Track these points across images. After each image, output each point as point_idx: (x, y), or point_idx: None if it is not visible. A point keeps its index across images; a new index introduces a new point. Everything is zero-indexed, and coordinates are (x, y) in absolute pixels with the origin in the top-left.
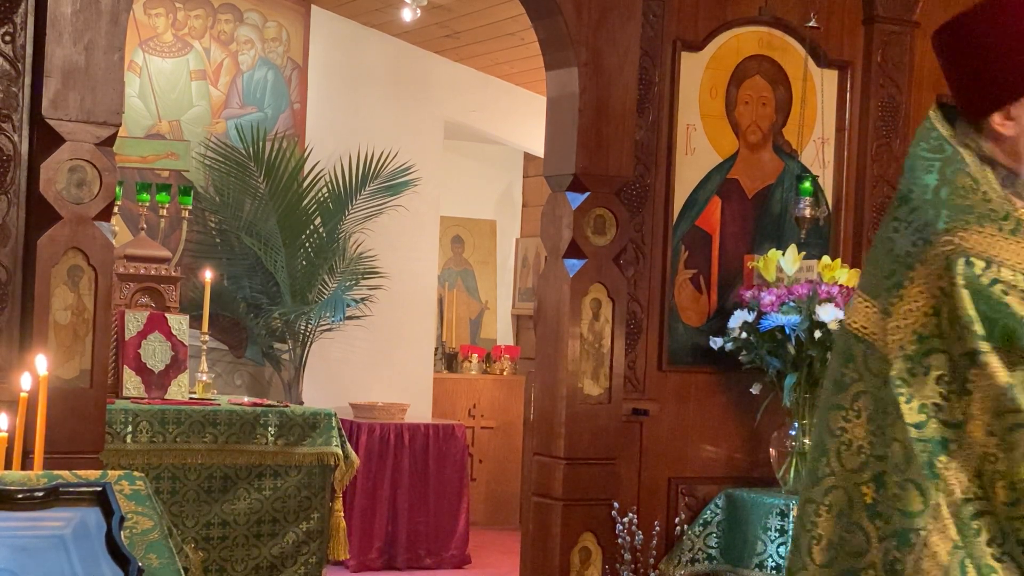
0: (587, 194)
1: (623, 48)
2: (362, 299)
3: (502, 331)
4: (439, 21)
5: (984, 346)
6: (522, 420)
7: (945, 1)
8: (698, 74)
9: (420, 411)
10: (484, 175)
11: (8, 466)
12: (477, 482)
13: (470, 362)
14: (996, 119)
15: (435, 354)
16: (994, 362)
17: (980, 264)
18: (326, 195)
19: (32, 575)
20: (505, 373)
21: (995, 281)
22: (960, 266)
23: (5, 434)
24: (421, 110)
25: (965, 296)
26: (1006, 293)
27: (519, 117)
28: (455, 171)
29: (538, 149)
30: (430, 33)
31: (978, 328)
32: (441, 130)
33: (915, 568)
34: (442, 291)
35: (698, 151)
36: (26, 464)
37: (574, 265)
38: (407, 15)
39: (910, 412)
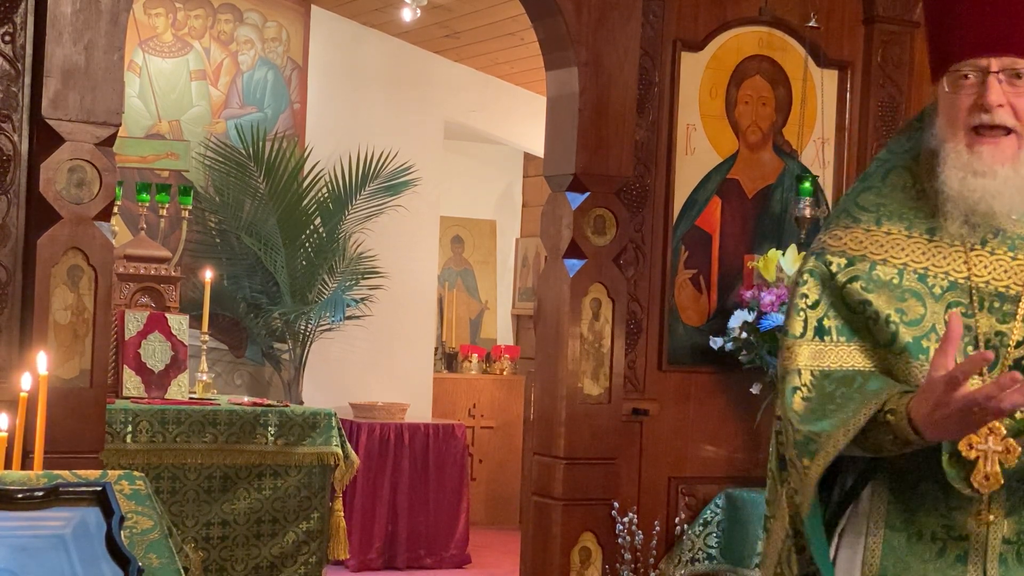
0: (587, 194)
1: (623, 48)
2: (362, 299)
3: (502, 331)
4: (439, 21)
5: (787, 339)
6: (522, 420)
7: None
8: (698, 74)
9: (420, 411)
10: (484, 175)
11: (8, 466)
12: (477, 482)
13: (470, 362)
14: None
15: (435, 354)
16: (796, 349)
17: (839, 261)
18: (326, 195)
19: (32, 575)
20: (505, 373)
21: (855, 278)
22: (810, 263)
23: (5, 434)
24: (421, 110)
25: (795, 289)
26: (867, 290)
27: (519, 117)
28: (455, 171)
29: (538, 149)
30: (430, 33)
31: (793, 320)
32: (441, 130)
33: (764, 552)
34: (442, 291)
35: (698, 151)
36: (26, 464)
37: (574, 265)
38: (407, 15)
39: (781, 406)
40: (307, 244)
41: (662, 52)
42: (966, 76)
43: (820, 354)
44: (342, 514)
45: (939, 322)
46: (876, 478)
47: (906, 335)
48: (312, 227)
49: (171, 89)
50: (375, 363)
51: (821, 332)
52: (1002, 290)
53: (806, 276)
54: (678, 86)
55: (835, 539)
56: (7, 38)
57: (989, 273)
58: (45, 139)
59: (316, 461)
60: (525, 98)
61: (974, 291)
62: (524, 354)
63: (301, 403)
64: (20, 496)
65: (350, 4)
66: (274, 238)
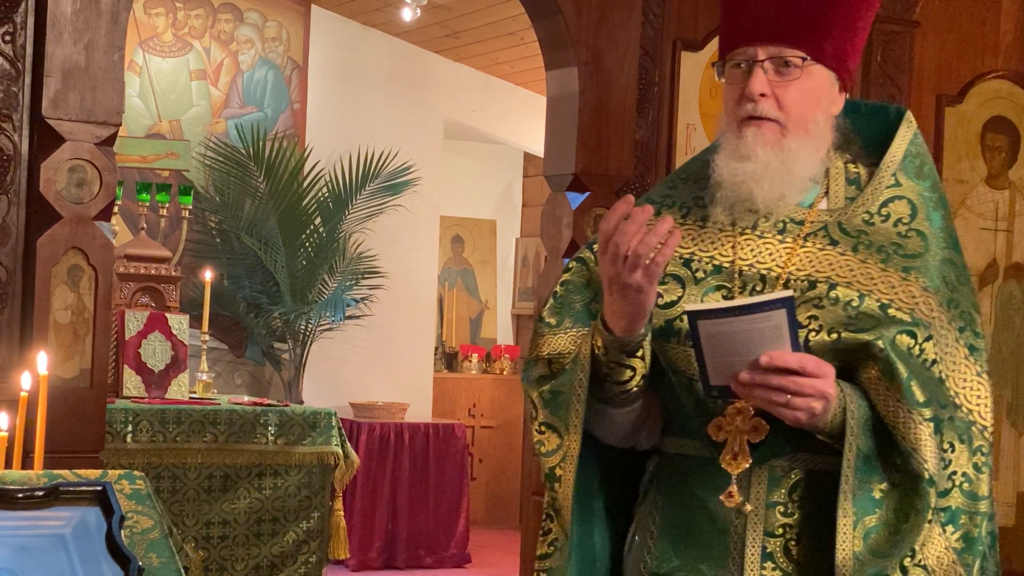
0: (587, 194)
1: (623, 48)
2: (362, 299)
3: (502, 331)
4: (439, 21)
5: (540, 326)
6: (522, 420)
7: (945, 1)
8: (698, 74)
9: (420, 411)
10: (484, 175)
11: (8, 466)
12: (477, 482)
13: (470, 362)
14: None
15: (435, 354)
16: (550, 338)
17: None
18: (326, 195)
19: (32, 574)
20: (505, 373)
21: None
22: (578, 252)
23: (5, 434)
24: (421, 110)
25: (559, 277)
26: None
27: (519, 117)
28: (455, 171)
29: (538, 149)
30: (430, 33)
31: (547, 308)
32: (441, 130)
33: None
34: (442, 291)
35: (698, 151)
36: (26, 464)
37: None
38: (407, 15)
39: (525, 391)
40: (307, 244)
41: (662, 52)
42: (738, 65)
43: (575, 341)
44: (342, 514)
45: (697, 303)
46: (658, 474)
47: (658, 318)
48: (312, 227)
49: (171, 89)
50: (375, 363)
51: (589, 317)
52: (764, 272)
53: (571, 264)
54: (678, 86)
55: (628, 539)
56: (7, 38)
57: (754, 256)
58: (45, 139)
59: (316, 461)
60: (525, 98)
61: (737, 274)
62: (524, 354)
63: (301, 403)
64: (20, 496)
65: (350, 4)
66: (274, 238)
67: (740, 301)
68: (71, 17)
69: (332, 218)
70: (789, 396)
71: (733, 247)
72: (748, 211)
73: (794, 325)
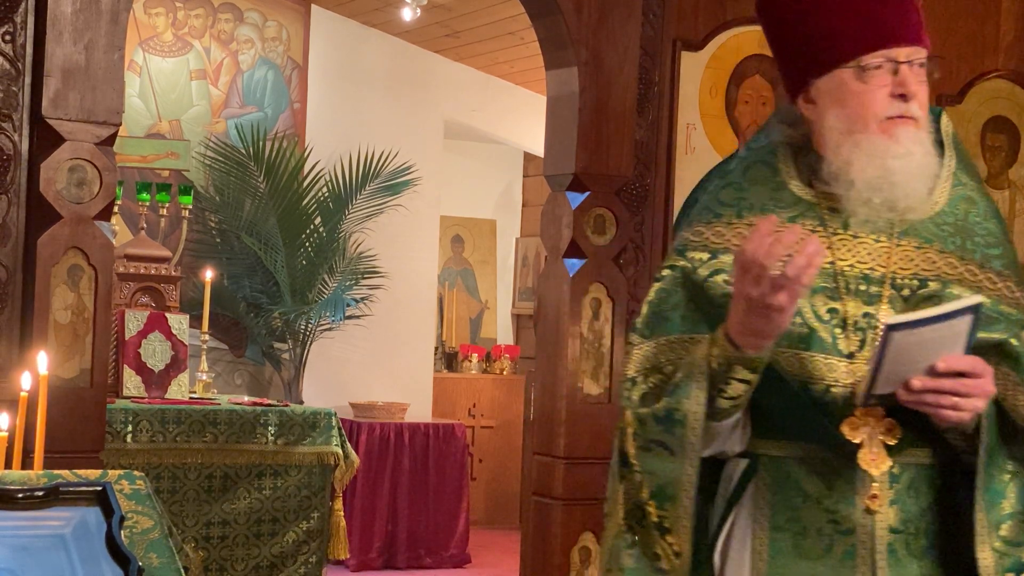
0: (587, 194)
1: (623, 48)
2: (362, 299)
3: (502, 330)
4: (439, 21)
5: (634, 335)
6: (522, 420)
7: (945, 1)
8: (698, 74)
9: (420, 411)
10: (484, 175)
11: (8, 466)
12: (477, 482)
13: (470, 361)
14: (800, 102)
15: (435, 353)
16: (636, 346)
17: (701, 256)
18: (326, 195)
19: (32, 574)
20: (505, 372)
21: (718, 271)
22: (671, 259)
23: (5, 434)
24: (421, 110)
25: (652, 286)
26: (731, 283)
27: (519, 117)
28: (455, 171)
29: (538, 149)
30: (430, 33)
31: (639, 317)
32: (441, 130)
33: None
34: (442, 291)
35: (698, 151)
36: (26, 464)
37: (574, 265)
38: (407, 15)
39: (626, 401)
40: (307, 244)
41: (662, 52)
42: (878, 67)
43: (672, 350)
44: (342, 514)
45: (804, 305)
46: (758, 477)
47: None
48: (312, 227)
49: (171, 88)
50: (375, 363)
51: (683, 325)
52: (867, 272)
53: (665, 272)
54: (678, 86)
55: (719, 544)
56: (7, 38)
57: (853, 256)
58: (45, 139)
59: (316, 461)
60: (525, 98)
61: (839, 275)
62: (524, 354)
63: (301, 403)
64: (20, 496)
65: (350, 4)
66: (274, 238)
67: (934, 311)
68: (71, 17)
69: (332, 218)
70: (957, 399)
71: (829, 247)
72: (890, 210)
73: (974, 330)
